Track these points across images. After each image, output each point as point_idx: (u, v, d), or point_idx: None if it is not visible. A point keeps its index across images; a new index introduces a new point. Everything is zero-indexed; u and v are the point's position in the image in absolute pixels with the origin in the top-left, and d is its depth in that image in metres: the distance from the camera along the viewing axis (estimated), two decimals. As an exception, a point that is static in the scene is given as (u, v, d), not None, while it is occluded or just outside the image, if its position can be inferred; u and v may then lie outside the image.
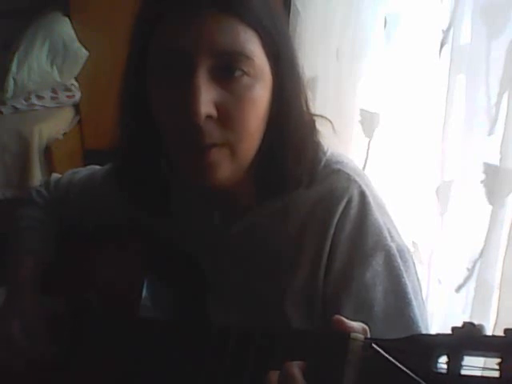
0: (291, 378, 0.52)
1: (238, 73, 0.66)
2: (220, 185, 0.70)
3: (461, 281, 1.14)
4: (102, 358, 0.82)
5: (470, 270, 1.12)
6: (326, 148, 0.79)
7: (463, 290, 1.15)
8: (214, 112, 0.65)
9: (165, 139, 0.71)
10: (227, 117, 0.66)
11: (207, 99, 0.64)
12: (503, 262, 1.02)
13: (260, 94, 0.68)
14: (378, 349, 0.47)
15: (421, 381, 0.44)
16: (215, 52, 0.64)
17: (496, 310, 1.04)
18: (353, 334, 0.49)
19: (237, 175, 0.71)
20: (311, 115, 0.78)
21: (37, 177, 2.02)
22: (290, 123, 0.72)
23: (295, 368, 0.52)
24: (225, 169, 0.69)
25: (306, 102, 0.76)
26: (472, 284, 1.12)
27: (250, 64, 0.66)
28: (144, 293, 0.81)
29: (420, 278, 0.78)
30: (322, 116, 0.80)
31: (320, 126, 0.80)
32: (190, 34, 0.64)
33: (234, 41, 0.65)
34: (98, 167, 1.01)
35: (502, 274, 1.02)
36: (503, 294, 1.02)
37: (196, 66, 0.64)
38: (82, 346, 0.86)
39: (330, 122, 0.81)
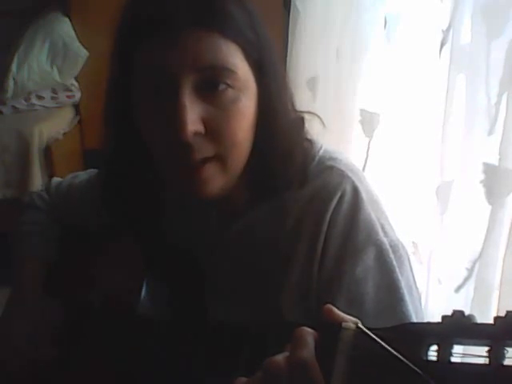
0: (304, 341, 0.49)
1: (222, 87, 0.66)
2: (213, 196, 0.71)
3: (460, 281, 1.14)
4: (102, 358, 0.82)
5: (470, 270, 1.12)
6: (319, 145, 0.79)
7: (463, 291, 1.15)
8: (201, 128, 0.66)
9: (154, 156, 0.72)
10: (215, 131, 0.67)
11: (194, 116, 0.65)
12: (503, 262, 1.02)
13: (246, 105, 0.69)
14: (372, 335, 0.47)
15: (414, 367, 0.44)
16: (198, 67, 0.65)
17: (496, 310, 1.04)
18: (344, 324, 0.49)
19: (229, 184, 0.72)
20: (298, 114, 0.78)
21: (37, 177, 2.02)
22: (278, 127, 0.72)
23: (308, 334, 0.50)
24: (217, 182, 0.70)
25: (292, 102, 0.77)
26: (471, 284, 1.12)
27: (234, 77, 0.67)
28: (144, 293, 0.81)
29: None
30: (310, 112, 0.80)
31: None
32: (174, 53, 0.65)
33: (217, 55, 0.65)
34: (97, 170, 1.01)
35: (501, 274, 1.02)
36: (503, 294, 1.02)
37: (181, 84, 0.65)
38: (83, 347, 0.86)
39: (319, 117, 0.81)
